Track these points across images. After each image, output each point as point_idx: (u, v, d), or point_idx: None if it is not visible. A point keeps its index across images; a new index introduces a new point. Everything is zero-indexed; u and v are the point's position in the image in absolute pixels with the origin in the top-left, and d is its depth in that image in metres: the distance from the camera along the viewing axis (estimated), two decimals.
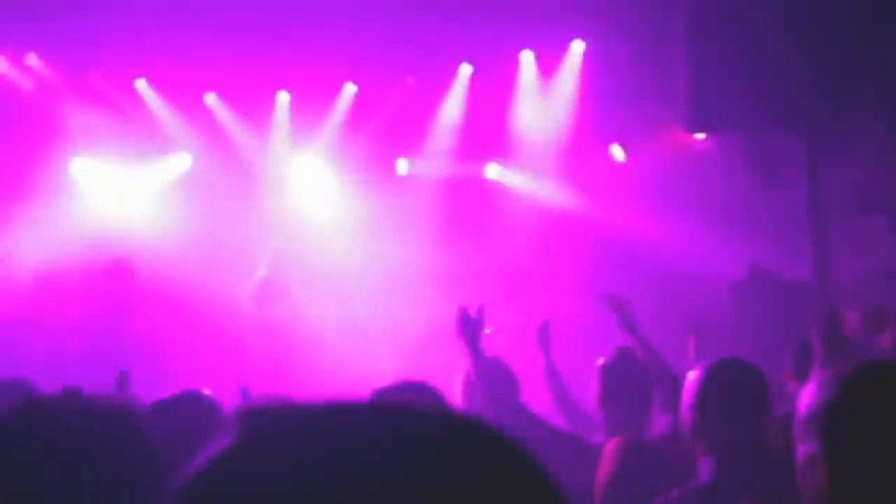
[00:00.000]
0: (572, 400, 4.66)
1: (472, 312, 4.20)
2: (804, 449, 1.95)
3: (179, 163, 10.51)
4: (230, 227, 9.93)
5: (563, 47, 9.96)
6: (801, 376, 2.77)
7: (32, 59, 9.99)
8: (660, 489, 2.86)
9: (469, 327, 4.17)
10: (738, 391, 2.86)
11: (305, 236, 10.21)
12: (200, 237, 9.85)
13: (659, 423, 3.80)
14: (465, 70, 10.23)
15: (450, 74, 10.27)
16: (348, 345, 9.12)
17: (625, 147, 10.16)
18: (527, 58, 10.09)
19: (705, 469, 2.83)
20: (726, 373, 2.92)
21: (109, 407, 1.82)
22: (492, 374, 4.10)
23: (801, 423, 1.96)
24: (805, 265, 9.03)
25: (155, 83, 10.23)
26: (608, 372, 3.96)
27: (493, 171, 10.54)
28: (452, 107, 10.30)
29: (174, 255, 9.62)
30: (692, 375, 2.95)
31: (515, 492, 0.76)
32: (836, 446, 1.89)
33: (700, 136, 9.37)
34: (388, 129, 10.13)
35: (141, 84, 10.22)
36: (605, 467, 3.29)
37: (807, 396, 1.97)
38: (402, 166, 10.50)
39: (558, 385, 4.60)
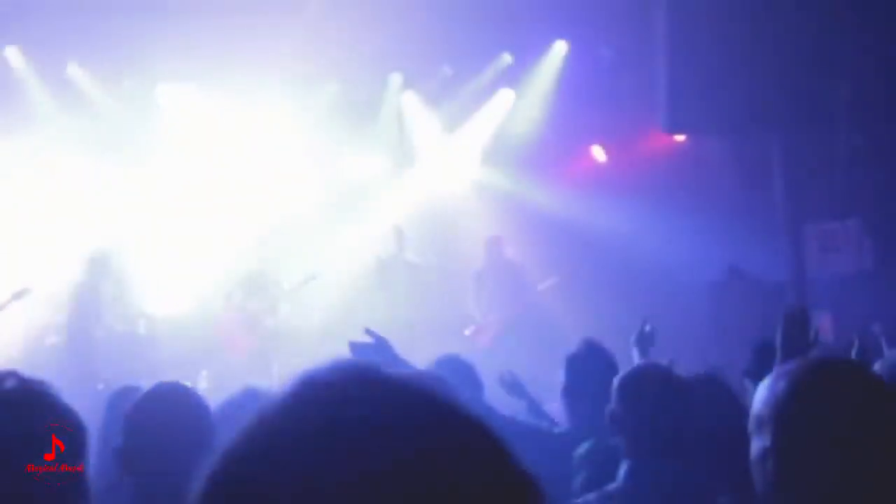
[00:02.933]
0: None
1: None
2: (757, 443, 2.01)
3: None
4: None
5: (545, 49, 10.03)
6: (757, 376, 2.81)
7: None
8: None
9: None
10: (653, 396, 2.91)
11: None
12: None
13: None
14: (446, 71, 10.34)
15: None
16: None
17: (605, 147, 10.24)
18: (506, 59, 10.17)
19: (622, 471, 2.87)
20: (642, 378, 3.00)
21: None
22: (455, 372, 4.18)
23: (754, 419, 2.03)
24: (781, 265, 9.11)
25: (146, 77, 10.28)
26: (575, 362, 4.01)
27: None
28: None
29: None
30: (616, 381, 3.03)
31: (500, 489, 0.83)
32: (787, 441, 1.95)
33: (679, 137, 9.44)
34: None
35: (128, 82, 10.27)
36: None
37: (760, 392, 2.04)
38: None
39: None
